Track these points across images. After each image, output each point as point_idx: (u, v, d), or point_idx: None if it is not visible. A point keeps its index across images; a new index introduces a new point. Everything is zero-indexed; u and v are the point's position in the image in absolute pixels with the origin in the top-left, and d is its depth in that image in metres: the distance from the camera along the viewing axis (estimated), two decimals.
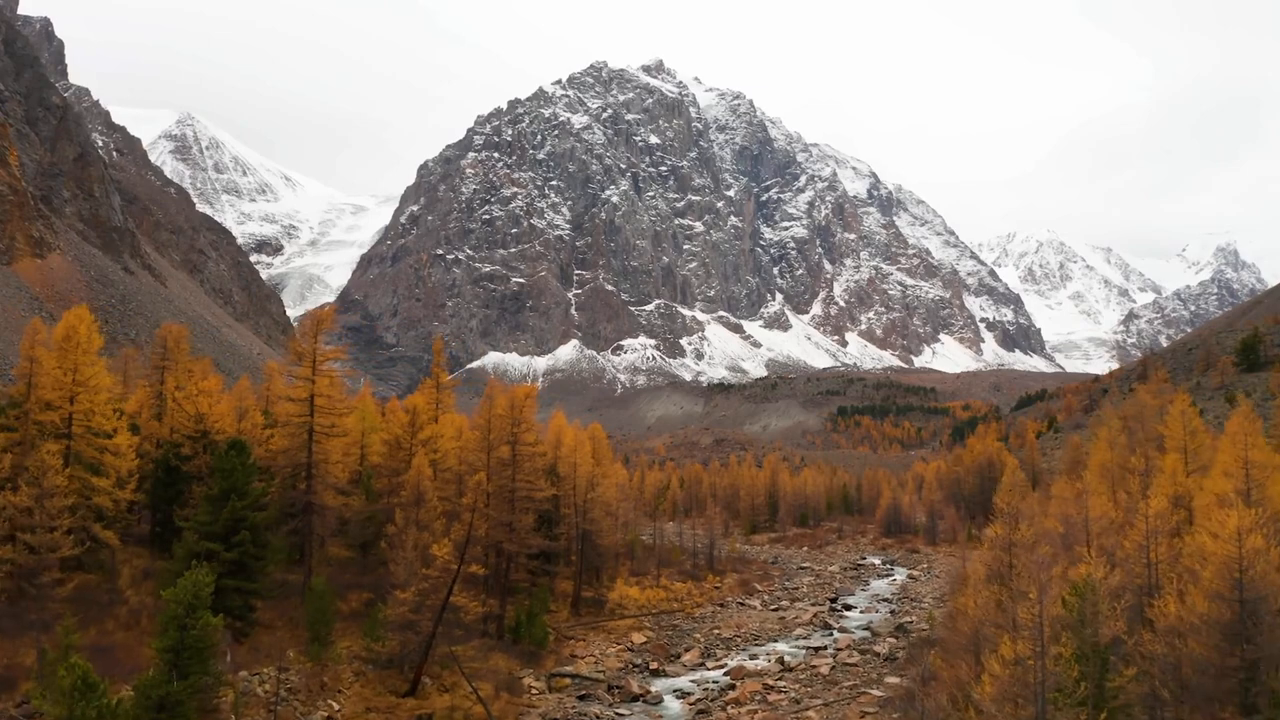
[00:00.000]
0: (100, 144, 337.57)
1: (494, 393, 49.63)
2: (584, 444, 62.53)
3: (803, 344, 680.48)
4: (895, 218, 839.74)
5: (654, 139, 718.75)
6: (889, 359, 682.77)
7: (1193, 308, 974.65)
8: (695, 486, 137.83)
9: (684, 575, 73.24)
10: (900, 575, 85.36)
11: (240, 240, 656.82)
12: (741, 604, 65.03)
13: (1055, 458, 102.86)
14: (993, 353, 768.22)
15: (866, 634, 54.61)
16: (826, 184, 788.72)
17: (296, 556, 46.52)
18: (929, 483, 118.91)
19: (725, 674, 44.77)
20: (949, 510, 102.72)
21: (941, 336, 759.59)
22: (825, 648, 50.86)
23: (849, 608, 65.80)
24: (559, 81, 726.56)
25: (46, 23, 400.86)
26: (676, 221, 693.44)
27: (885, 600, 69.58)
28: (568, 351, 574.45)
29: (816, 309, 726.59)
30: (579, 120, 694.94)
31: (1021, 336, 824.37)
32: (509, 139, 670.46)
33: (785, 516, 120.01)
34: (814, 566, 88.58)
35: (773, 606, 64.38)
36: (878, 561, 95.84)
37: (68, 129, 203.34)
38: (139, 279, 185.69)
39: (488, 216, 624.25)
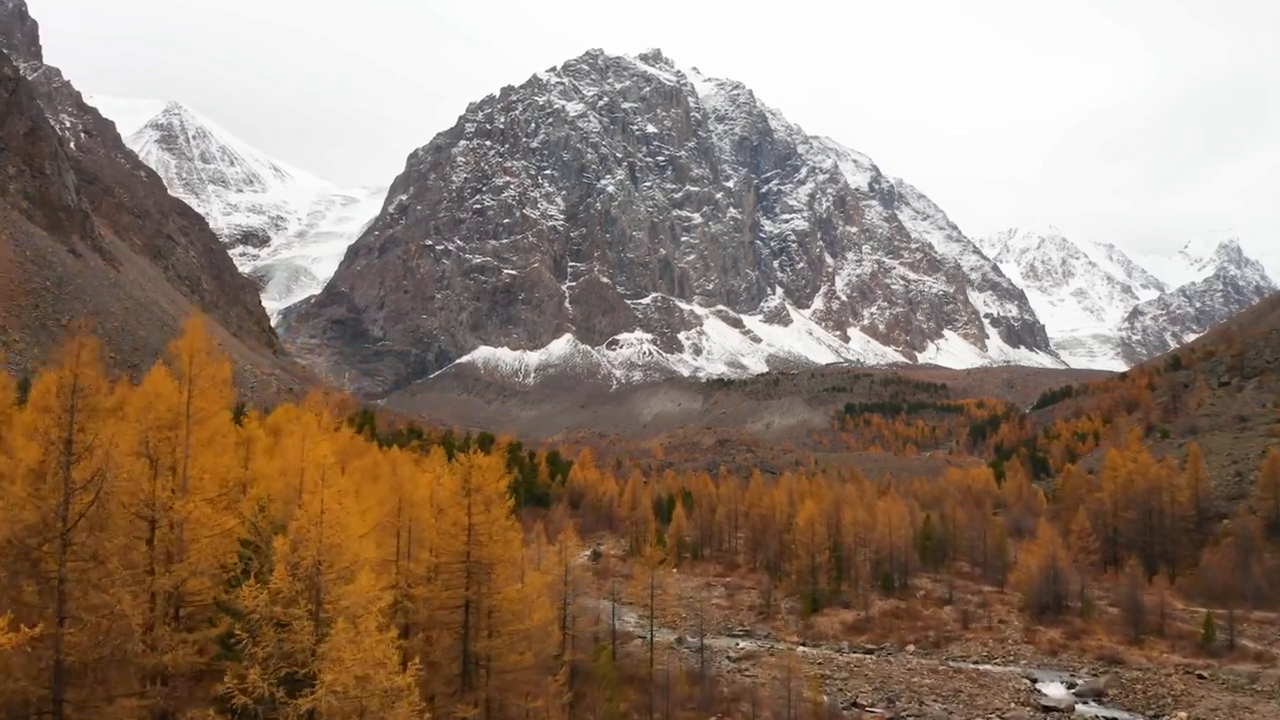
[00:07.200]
0: (68, 125, 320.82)
1: None
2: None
3: (804, 339, 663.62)
4: (897, 211, 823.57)
5: (651, 128, 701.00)
6: (893, 355, 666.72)
7: (1198, 304, 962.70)
8: (706, 515, 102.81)
9: None
10: None
11: (226, 231, 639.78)
12: None
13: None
14: (998, 349, 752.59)
15: None
16: (828, 176, 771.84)
17: None
18: (1078, 524, 78.40)
19: None
20: (1137, 572, 63.61)
21: (946, 332, 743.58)
22: None
23: None
24: (554, 69, 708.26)
25: (20, 3, 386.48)
26: (674, 213, 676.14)
27: None
28: (561, 346, 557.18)
29: (818, 303, 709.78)
30: (574, 108, 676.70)
31: (1026, 333, 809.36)
32: (502, 126, 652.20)
33: (859, 576, 76.79)
34: None
35: None
36: (1064, 692, 50.36)
37: (19, 103, 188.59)
38: (86, 261, 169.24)
39: (479, 206, 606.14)
